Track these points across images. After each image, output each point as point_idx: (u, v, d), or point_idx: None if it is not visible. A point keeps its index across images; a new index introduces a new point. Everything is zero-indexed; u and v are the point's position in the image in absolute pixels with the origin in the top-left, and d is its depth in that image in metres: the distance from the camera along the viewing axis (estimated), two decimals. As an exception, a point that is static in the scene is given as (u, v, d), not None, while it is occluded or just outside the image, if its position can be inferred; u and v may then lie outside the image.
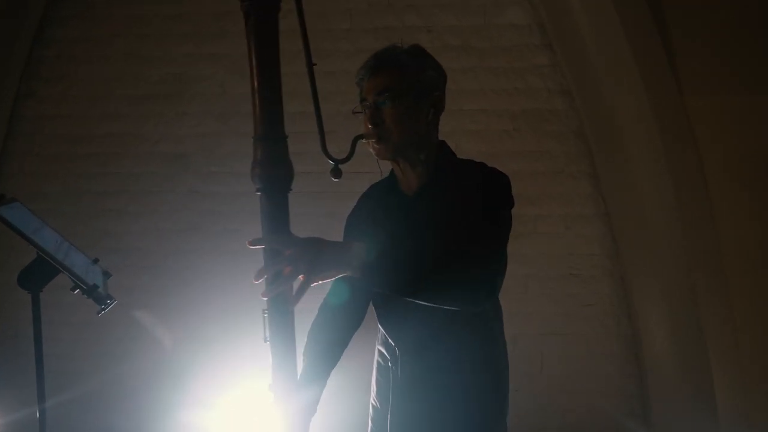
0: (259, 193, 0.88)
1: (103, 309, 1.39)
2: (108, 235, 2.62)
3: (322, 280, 0.88)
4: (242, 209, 2.51)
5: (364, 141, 1.10)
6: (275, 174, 0.87)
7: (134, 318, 2.57)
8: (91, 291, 1.41)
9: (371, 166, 1.22)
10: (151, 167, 2.60)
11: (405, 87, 1.10)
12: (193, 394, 2.48)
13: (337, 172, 1.04)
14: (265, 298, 0.87)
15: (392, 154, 1.11)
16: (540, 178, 2.39)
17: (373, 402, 1.26)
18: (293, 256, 0.86)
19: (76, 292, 1.41)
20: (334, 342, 1.26)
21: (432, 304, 0.98)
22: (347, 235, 1.25)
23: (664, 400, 2.23)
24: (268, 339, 0.88)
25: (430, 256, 0.94)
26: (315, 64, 0.98)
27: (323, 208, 2.46)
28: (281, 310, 0.87)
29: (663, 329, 2.17)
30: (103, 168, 2.62)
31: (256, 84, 0.87)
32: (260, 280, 0.87)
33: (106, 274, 1.53)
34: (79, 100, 2.62)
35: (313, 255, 0.86)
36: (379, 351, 1.24)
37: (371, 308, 1.26)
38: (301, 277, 0.86)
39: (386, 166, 1.21)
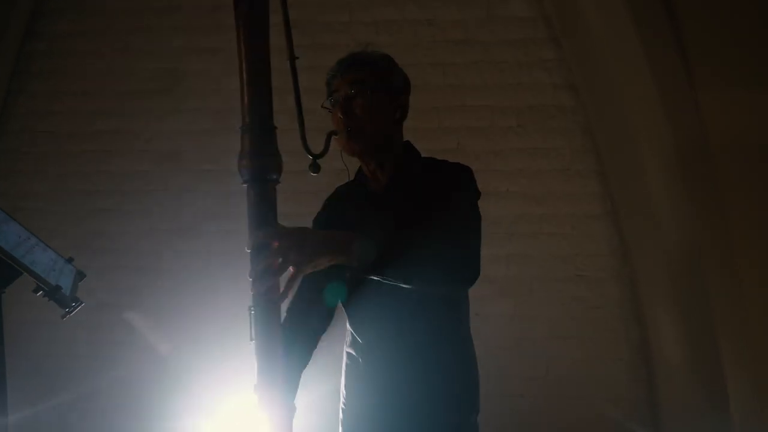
0: (245, 185, 0.86)
1: (68, 312, 1.33)
2: (99, 235, 2.59)
3: (313, 269, 0.87)
4: (238, 209, 2.37)
5: (335, 137, 1.12)
6: (262, 164, 0.85)
7: (127, 320, 2.53)
8: (52, 293, 1.33)
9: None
10: (143, 165, 2.57)
11: (377, 83, 1.15)
12: (189, 398, 2.44)
13: (315, 167, 1.04)
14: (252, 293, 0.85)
15: (362, 147, 1.14)
16: (546, 176, 2.35)
17: (343, 406, 1.27)
18: (282, 248, 0.84)
19: (38, 294, 1.33)
20: (305, 342, 1.26)
21: (425, 287, 0.99)
22: None
23: (674, 407, 2.18)
24: (254, 337, 0.85)
25: (421, 236, 0.96)
26: (297, 58, 0.98)
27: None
28: (269, 307, 0.85)
29: (674, 333, 2.13)
30: (94, 166, 2.59)
31: (244, 72, 0.86)
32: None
33: (80, 275, 1.46)
34: (70, 96, 2.59)
35: (303, 244, 0.85)
36: (348, 353, 1.25)
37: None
38: (291, 269, 0.85)
39: (352, 165, 1.24)
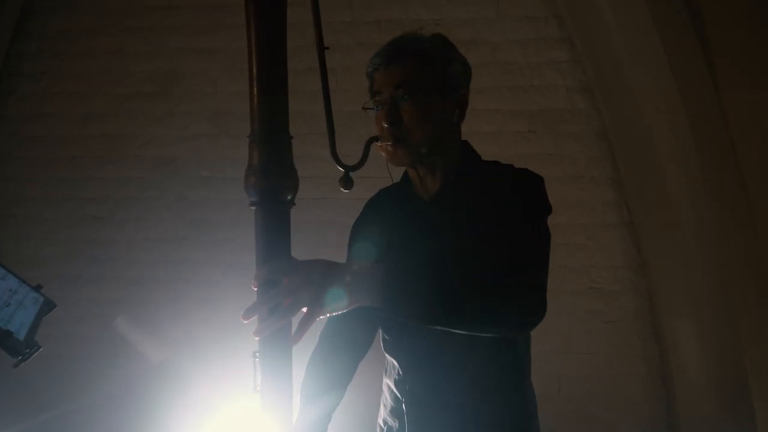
0: (253, 208, 0.72)
1: (21, 360, 1.06)
2: (91, 244, 2.53)
3: (330, 312, 0.73)
4: (236, 217, 2.41)
5: (378, 144, 0.96)
6: (276, 183, 0.71)
7: (121, 332, 2.46)
8: (2, 339, 1.01)
9: (377, 170, 1.08)
10: (137, 171, 2.51)
11: (429, 81, 0.96)
12: (184, 411, 2.36)
13: (347, 182, 0.87)
14: (257, 338, 0.71)
15: (411, 159, 0.98)
16: (558, 183, 2.26)
17: None
18: (294, 285, 0.70)
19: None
20: (337, 376, 1.11)
21: (472, 333, 0.84)
22: (354, 246, 1.11)
23: (695, 426, 2.08)
24: (258, 388, 0.71)
25: (467, 273, 0.79)
26: (328, 48, 0.82)
27: (323, 216, 2.35)
28: (277, 353, 0.71)
29: (695, 349, 2.03)
30: (86, 172, 2.53)
31: (255, 68, 0.71)
32: (251, 319, 0.70)
33: (48, 305, 1.21)
34: (62, 99, 2.53)
35: (319, 282, 0.71)
36: (387, 386, 1.09)
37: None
38: (304, 309, 0.71)
39: (397, 172, 1.07)
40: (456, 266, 0.82)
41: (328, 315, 0.73)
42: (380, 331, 1.11)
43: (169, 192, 2.49)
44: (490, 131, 2.32)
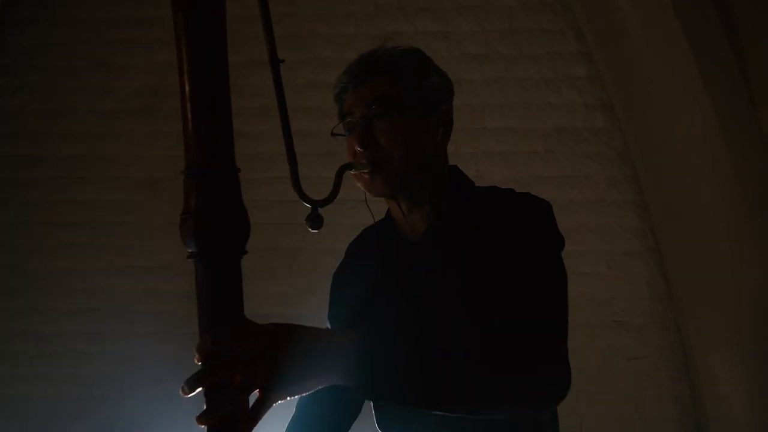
0: (193, 261, 0.61)
1: None
2: (69, 274, 2.41)
3: (291, 395, 0.61)
4: None
5: (352, 172, 0.85)
6: (218, 228, 0.60)
7: (101, 371, 2.35)
8: None
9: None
10: (120, 194, 2.41)
11: (405, 95, 0.86)
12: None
13: (315, 221, 0.76)
14: (202, 426, 0.59)
15: (392, 188, 0.85)
16: (577, 208, 2.17)
17: None
18: (246, 357, 0.58)
19: None
20: None
21: (480, 417, 0.71)
22: (333, 304, 0.98)
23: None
24: None
25: (469, 340, 0.66)
26: (283, 61, 0.73)
27: (325, 243, 2.23)
28: None
29: (734, 389, 1.91)
30: (64, 195, 2.43)
31: (187, 85, 0.62)
32: (192, 394, 0.58)
33: None
34: (38, 116, 2.44)
35: (279, 355, 0.59)
36: None
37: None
38: (257, 392, 0.59)
39: (377, 209, 0.96)
40: (453, 331, 0.67)
41: (289, 397, 0.61)
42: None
43: (155, 216, 2.38)
44: (502, 151, 2.23)
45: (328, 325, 0.97)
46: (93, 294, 2.40)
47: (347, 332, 0.63)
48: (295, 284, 2.29)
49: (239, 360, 0.58)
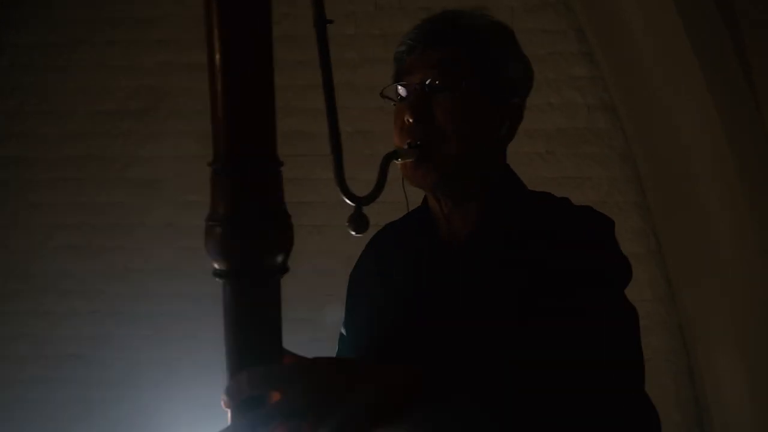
0: (219, 280, 0.49)
1: None
2: (65, 276, 2.38)
3: None
4: None
5: (398, 162, 0.72)
6: (259, 241, 0.47)
7: (99, 374, 2.32)
8: None
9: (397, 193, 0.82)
10: (118, 195, 2.38)
11: (478, 74, 0.73)
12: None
13: (360, 222, 0.65)
14: None
15: (437, 178, 0.73)
16: (579, 209, 2.17)
17: None
18: (290, 405, 0.48)
19: None
20: None
21: None
22: (353, 310, 0.86)
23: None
24: None
25: (542, 380, 0.55)
26: (331, 21, 0.60)
27: (326, 245, 2.20)
28: None
29: (737, 392, 1.90)
30: (61, 196, 2.39)
31: (218, 54, 0.46)
32: None
33: None
34: (35, 117, 2.41)
35: (328, 406, 0.48)
36: None
37: None
38: None
39: (413, 196, 0.83)
40: (526, 367, 0.56)
41: None
42: None
43: (154, 218, 2.35)
44: (505, 152, 2.22)
45: (343, 331, 0.87)
46: (91, 296, 2.37)
47: (409, 371, 0.52)
48: (295, 288, 2.27)
49: (279, 410, 0.48)
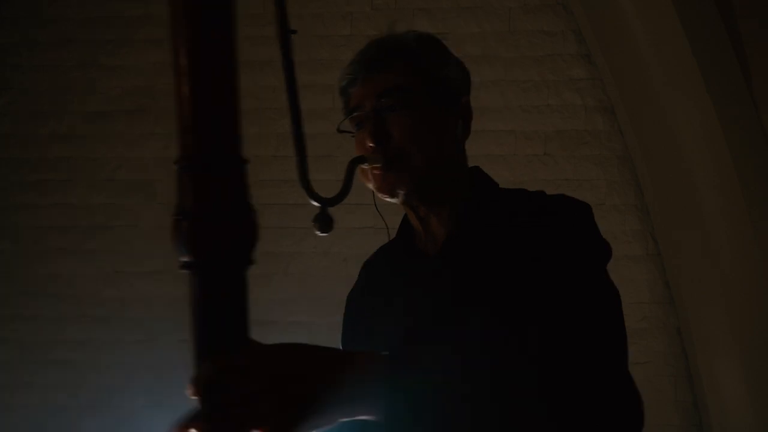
0: (186, 272, 0.51)
1: None
2: (55, 280, 2.35)
3: None
4: None
5: (364, 167, 0.78)
6: (223, 233, 0.50)
7: (89, 380, 2.29)
8: None
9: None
10: (109, 197, 2.36)
11: (421, 86, 0.78)
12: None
13: (324, 222, 0.69)
14: None
15: (407, 188, 0.77)
16: (578, 211, 2.17)
17: None
18: (252, 389, 0.50)
19: None
20: None
21: None
22: (348, 332, 0.88)
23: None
24: None
25: (520, 377, 0.56)
26: (294, 31, 0.62)
27: (321, 246, 2.18)
28: None
29: (736, 395, 1.91)
30: (50, 198, 2.38)
31: (181, 52, 0.50)
32: None
33: None
34: (24, 117, 2.39)
35: (291, 385, 0.50)
36: None
37: None
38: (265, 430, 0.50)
39: (390, 217, 0.88)
40: (499, 360, 0.57)
41: None
42: None
43: (145, 220, 2.33)
44: (502, 154, 2.21)
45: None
46: (80, 300, 2.34)
47: (372, 354, 0.55)
48: (290, 289, 2.25)
49: (245, 395, 0.50)
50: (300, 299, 2.20)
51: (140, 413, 2.25)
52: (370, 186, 0.80)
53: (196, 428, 0.51)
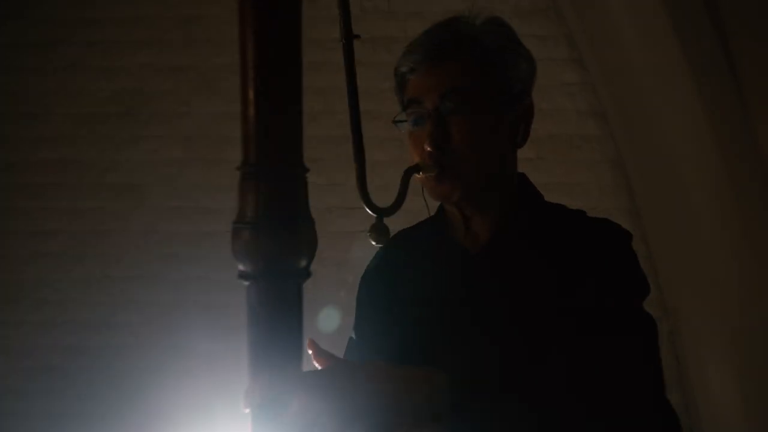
0: (246, 282, 0.52)
1: None
2: (43, 284, 2.33)
3: None
4: (210, 252, 2.23)
5: (419, 176, 0.75)
6: (285, 245, 0.50)
7: (77, 386, 2.26)
8: None
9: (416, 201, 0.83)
10: (97, 201, 2.34)
11: (489, 88, 0.74)
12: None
13: (380, 232, 0.69)
14: None
15: (460, 195, 0.75)
16: (570, 215, 2.18)
17: None
18: (312, 412, 0.49)
19: None
20: None
21: None
22: (365, 317, 0.86)
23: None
24: None
25: (570, 391, 0.57)
26: (358, 36, 0.65)
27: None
28: None
29: (727, 399, 1.92)
30: (37, 202, 2.35)
31: (250, 67, 0.50)
32: None
33: None
34: (11, 119, 2.36)
35: (354, 408, 0.49)
36: None
37: None
38: None
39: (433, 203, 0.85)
40: (550, 369, 0.59)
41: None
42: None
43: (134, 224, 2.32)
44: (495, 158, 2.22)
45: (353, 336, 0.87)
46: (67, 306, 2.32)
47: (432, 374, 0.53)
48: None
49: (301, 417, 0.48)
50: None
51: (131, 420, 2.22)
52: (423, 186, 0.78)
53: None
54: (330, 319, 0.89)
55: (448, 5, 2.55)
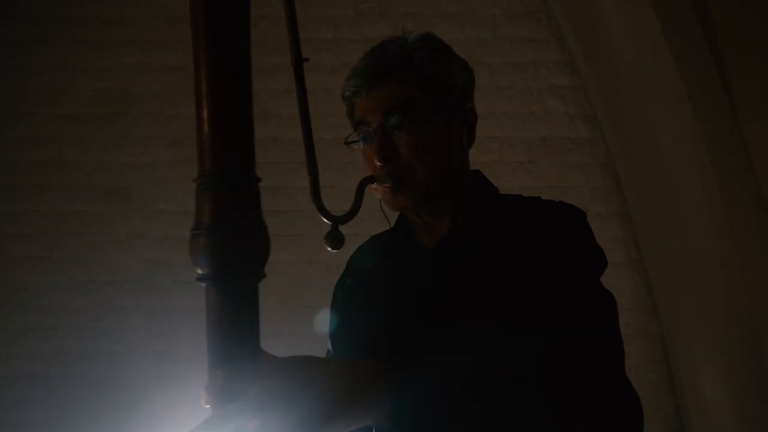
0: (203, 284, 0.56)
1: None
2: (25, 290, 2.29)
3: None
4: None
5: (373, 186, 0.79)
6: (240, 248, 0.54)
7: (60, 394, 2.23)
8: None
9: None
10: (82, 204, 2.31)
11: (428, 100, 0.79)
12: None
13: (336, 239, 0.72)
14: None
15: (415, 202, 0.80)
16: (561, 218, 2.19)
17: None
18: (264, 398, 0.53)
19: None
20: None
21: None
22: (338, 324, 0.89)
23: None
24: None
25: (523, 375, 0.58)
26: (307, 59, 0.69)
27: (303, 255, 2.16)
28: None
29: (718, 401, 1.94)
30: (20, 204, 2.31)
31: (203, 80, 0.56)
32: None
33: None
34: None
35: (301, 393, 0.53)
36: None
37: None
38: None
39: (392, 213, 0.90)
40: (502, 358, 0.60)
41: None
42: None
43: (120, 227, 2.29)
44: (486, 161, 2.20)
45: (329, 345, 0.90)
46: (50, 311, 2.28)
47: (376, 364, 0.57)
48: (270, 299, 2.22)
49: (255, 403, 0.52)
50: (281, 309, 2.17)
51: (114, 428, 2.19)
52: (379, 197, 0.83)
53: None
54: (325, 322, 0.91)
55: (441, 7, 2.56)
